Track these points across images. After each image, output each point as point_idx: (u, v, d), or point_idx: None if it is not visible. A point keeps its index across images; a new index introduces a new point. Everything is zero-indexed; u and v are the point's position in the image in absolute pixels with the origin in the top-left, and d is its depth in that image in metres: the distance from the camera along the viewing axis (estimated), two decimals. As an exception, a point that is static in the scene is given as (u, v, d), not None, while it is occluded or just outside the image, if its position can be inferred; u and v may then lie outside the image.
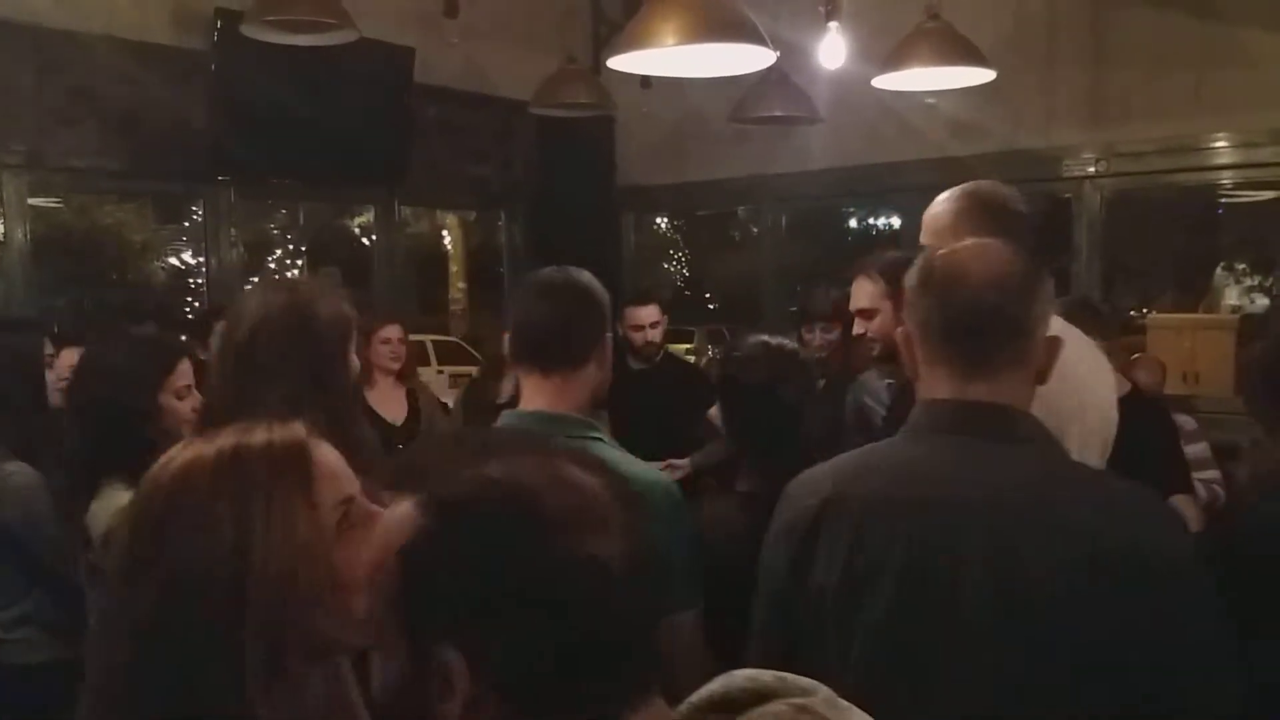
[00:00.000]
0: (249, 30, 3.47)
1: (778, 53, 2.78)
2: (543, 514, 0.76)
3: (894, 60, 3.45)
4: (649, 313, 4.28)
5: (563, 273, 1.85)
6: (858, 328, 2.85)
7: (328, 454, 1.06)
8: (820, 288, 4.11)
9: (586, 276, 1.85)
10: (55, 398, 3.07)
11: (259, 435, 1.04)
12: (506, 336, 1.85)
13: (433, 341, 11.93)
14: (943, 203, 2.23)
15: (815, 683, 0.82)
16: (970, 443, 1.34)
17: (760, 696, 0.81)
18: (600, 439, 1.82)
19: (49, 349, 3.33)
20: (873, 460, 1.42)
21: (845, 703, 0.81)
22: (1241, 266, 6.33)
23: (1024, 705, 1.22)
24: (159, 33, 4.21)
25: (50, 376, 3.15)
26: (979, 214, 2.14)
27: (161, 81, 4.14)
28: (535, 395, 1.79)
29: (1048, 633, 1.22)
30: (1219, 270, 6.25)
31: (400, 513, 0.79)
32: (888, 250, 2.71)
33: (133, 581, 0.98)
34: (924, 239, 2.21)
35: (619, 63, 2.84)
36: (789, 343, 2.30)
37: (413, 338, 5.99)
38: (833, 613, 1.32)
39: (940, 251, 1.44)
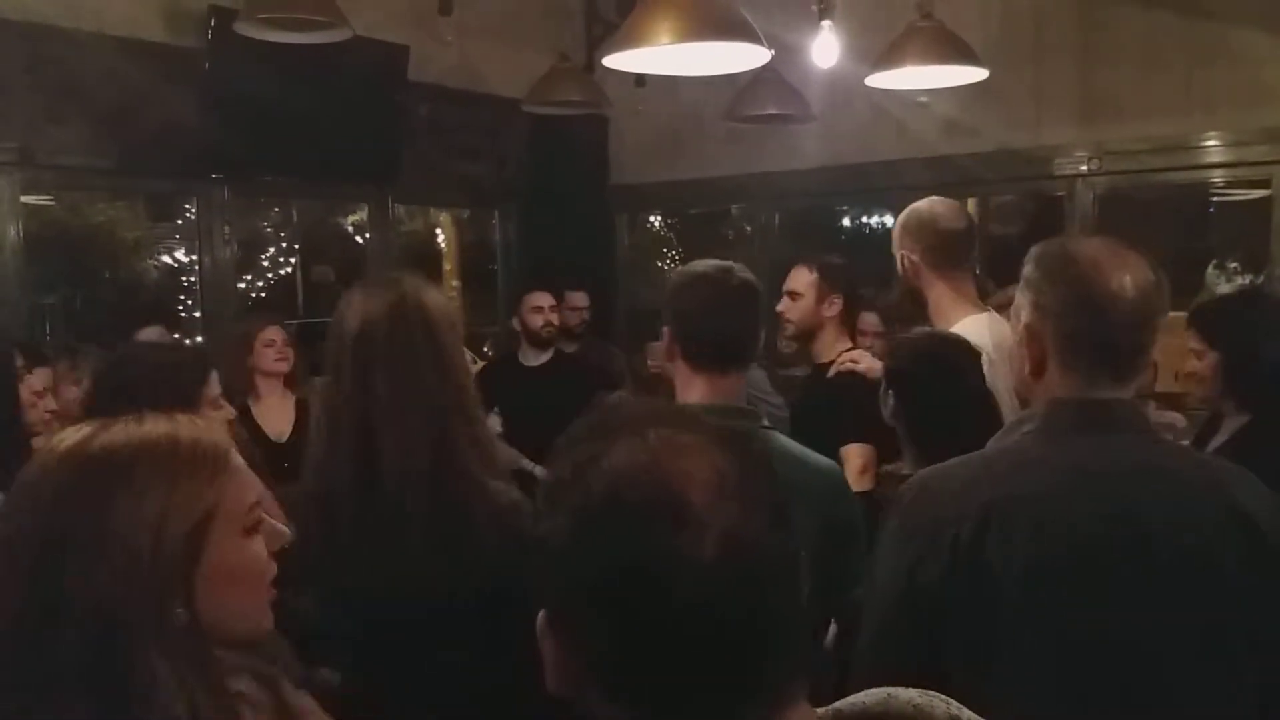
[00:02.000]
0: (242, 28, 3.47)
1: (772, 51, 2.79)
2: (617, 504, 0.76)
3: (886, 59, 3.46)
4: (545, 297, 4.44)
5: (730, 272, 1.91)
6: (781, 305, 3.31)
7: (239, 457, 1.11)
8: None
9: (750, 274, 1.93)
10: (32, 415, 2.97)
11: (185, 426, 1.08)
12: (667, 332, 1.90)
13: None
14: (900, 216, 2.70)
15: None
16: (1117, 439, 1.41)
17: None
18: (772, 428, 1.91)
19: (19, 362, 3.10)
20: (1030, 458, 1.43)
21: None
22: (1233, 265, 6.34)
23: (1207, 676, 1.34)
24: (152, 30, 4.20)
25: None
26: (913, 231, 2.65)
27: (154, 79, 4.13)
28: (711, 392, 1.85)
29: (1226, 606, 1.34)
30: (1210, 269, 6.26)
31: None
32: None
33: (53, 554, 0.99)
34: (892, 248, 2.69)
35: (613, 61, 2.85)
36: (951, 334, 2.36)
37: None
38: (1022, 615, 1.34)
39: (1082, 254, 1.45)
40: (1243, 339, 2.50)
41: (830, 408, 2.92)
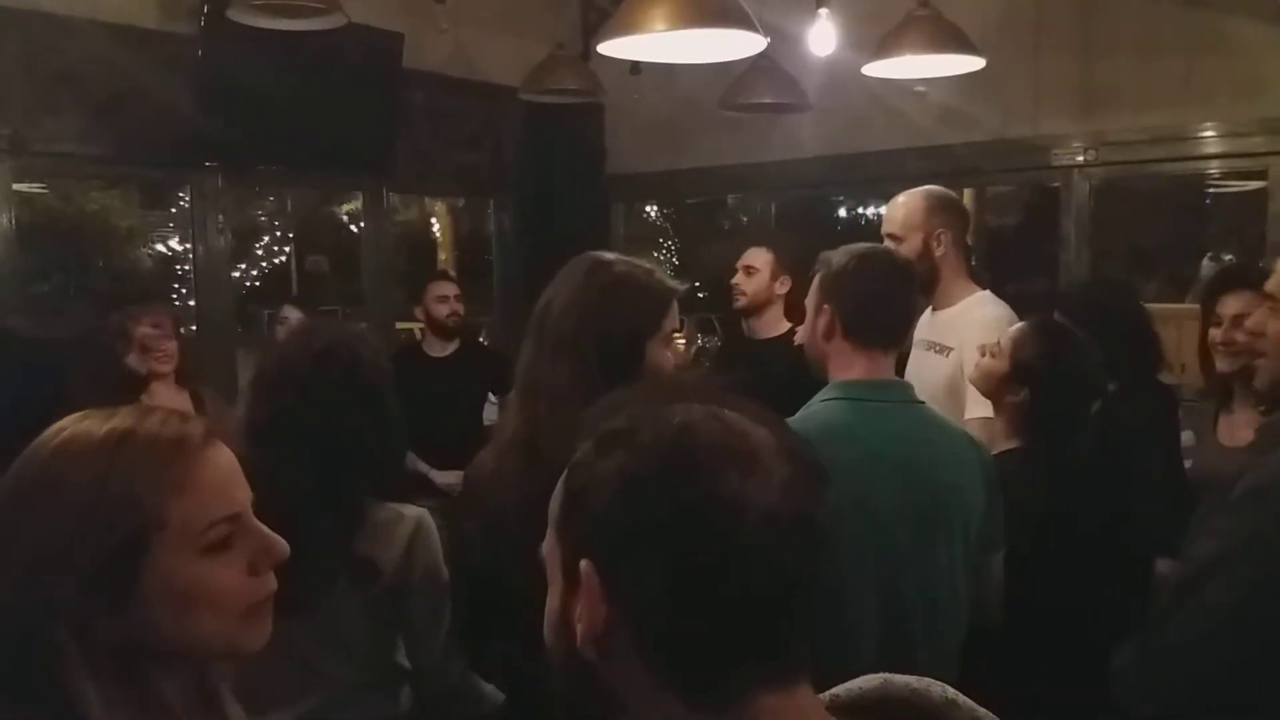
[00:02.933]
0: (236, 14, 3.44)
1: (768, 39, 2.78)
2: (689, 446, 0.78)
3: (884, 48, 3.44)
4: (449, 286, 4.54)
5: (893, 254, 2.06)
6: (736, 279, 3.68)
7: (219, 462, 1.02)
8: None
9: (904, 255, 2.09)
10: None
11: (150, 424, 1.00)
12: (826, 307, 1.96)
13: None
14: (913, 199, 2.80)
15: (990, 715, 0.81)
16: None
17: (922, 715, 0.80)
18: (923, 401, 2.01)
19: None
20: None
21: None
22: (1228, 257, 6.34)
23: None
24: (145, 17, 4.17)
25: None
26: (945, 210, 2.77)
27: (147, 66, 4.10)
28: (871, 369, 1.95)
29: None
30: (1205, 260, 6.26)
31: (581, 448, 0.84)
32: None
33: None
34: (895, 230, 2.79)
35: (608, 48, 2.83)
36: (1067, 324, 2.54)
37: (401, 326, 5.93)
38: None
39: None
40: None
41: (795, 376, 3.04)
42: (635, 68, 4.49)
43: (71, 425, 1.02)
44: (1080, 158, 4.57)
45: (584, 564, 0.79)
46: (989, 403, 2.42)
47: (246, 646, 1.04)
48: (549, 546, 0.85)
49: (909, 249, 2.70)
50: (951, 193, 2.85)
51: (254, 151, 4.50)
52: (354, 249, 5.76)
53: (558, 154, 5.52)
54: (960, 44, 3.40)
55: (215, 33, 3.97)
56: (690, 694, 0.77)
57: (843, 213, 7.13)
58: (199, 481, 0.99)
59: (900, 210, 2.80)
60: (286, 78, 4.14)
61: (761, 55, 3.37)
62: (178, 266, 5.46)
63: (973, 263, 4.10)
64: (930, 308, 2.88)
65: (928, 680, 0.83)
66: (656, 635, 0.77)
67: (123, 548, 0.95)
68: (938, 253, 2.74)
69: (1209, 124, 4.28)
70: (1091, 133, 4.52)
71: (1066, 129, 4.56)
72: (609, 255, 1.84)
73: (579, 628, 0.79)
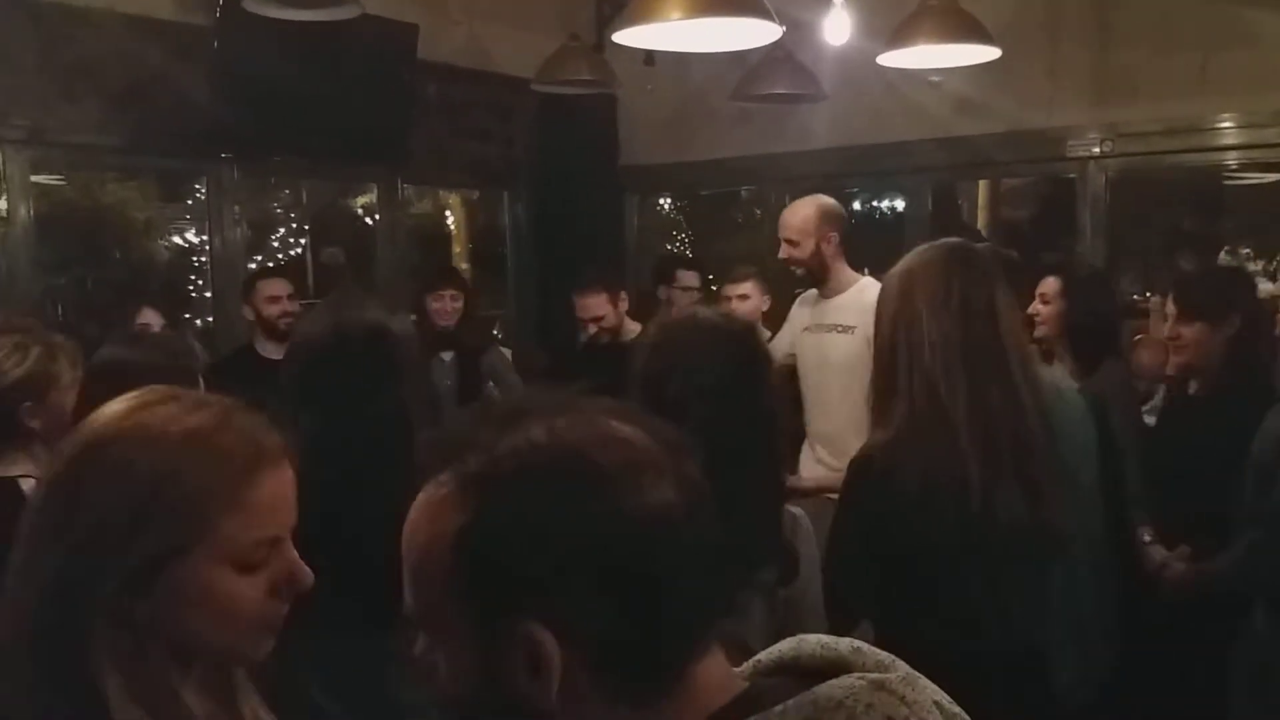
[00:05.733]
0: (251, 5, 3.45)
1: (783, 27, 2.77)
2: (594, 470, 0.75)
3: (899, 37, 3.44)
4: (281, 285, 4.08)
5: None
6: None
7: (280, 481, 1.03)
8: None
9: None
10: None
11: (229, 433, 1.01)
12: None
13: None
14: (805, 208, 3.44)
15: (892, 657, 0.82)
16: None
17: (832, 665, 0.82)
18: None
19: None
20: None
21: (924, 680, 0.79)
22: (1246, 250, 6.29)
23: None
24: (161, 7, 4.19)
25: None
26: (833, 220, 3.41)
27: (164, 57, 4.12)
28: None
29: None
30: (1223, 254, 6.21)
31: (439, 496, 0.77)
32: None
33: (45, 537, 0.98)
34: (788, 234, 3.40)
35: (624, 37, 2.84)
36: None
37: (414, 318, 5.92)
38: None
39: None
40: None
41: None
42: (649, 58, 4.48)
43: (154, 402, 1.02)
44: (1096, 149, 4.55)
45: (527, 625, 0.74)
46: None
47: (249, 658, 1.05)
48: (439, 603, 0.77)
49: (803, 252, 3.37)
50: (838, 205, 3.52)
51: (269, 143, 4.52)
52: (369, 242, 5.76)
53: (571, 146, 5.52)
54: (976, 34, 3.39)
55: (231, 23, 3.98)
56: (640, 698, 0.77)
57: (857, 205, 7.10)
58: (256, 501, 1.00)
59: (796, 215, 3.43)
60: (301, 69, 4.15)
61: (776, 45, 3.37)
62: (194, 258, 5.48)
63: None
64: (820, 296, 3.48)
65: (836, 639, 0.86)
66: (612, 660, 0.76)
67: (169, 548, 0.96)
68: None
69: (1226, 115, 4.26)
70: (1107, 124, 4.50)
71: (1082, 120, 4.54)
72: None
73: (538, 687, 0.74)
